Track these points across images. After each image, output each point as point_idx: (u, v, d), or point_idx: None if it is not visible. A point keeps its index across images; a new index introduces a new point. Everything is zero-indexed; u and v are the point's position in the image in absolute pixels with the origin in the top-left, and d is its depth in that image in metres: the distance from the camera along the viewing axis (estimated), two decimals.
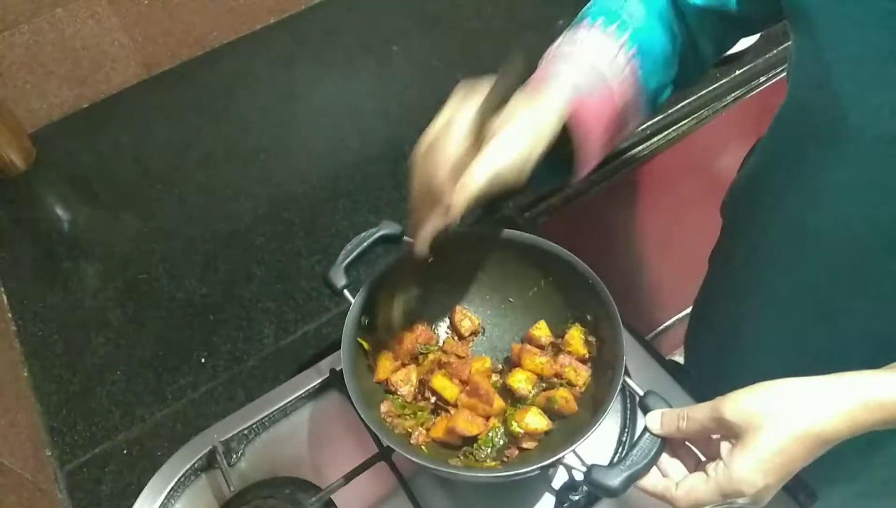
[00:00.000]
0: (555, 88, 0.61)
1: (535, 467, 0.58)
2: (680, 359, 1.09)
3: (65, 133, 1.19)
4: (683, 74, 0.70)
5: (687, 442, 0.56)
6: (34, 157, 1.14)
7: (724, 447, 0.51)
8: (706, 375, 0.94)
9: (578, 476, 0.61)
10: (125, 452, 0.80)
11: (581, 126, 0.62)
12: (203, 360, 0.86)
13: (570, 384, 0.68)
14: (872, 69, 0.53)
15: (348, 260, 0.71)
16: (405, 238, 0.73)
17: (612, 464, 0.54)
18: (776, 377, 0.51)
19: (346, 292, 0.70)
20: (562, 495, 0.68)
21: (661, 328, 1.60)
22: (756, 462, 0.48)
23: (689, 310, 1.58)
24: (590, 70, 0.63)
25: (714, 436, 0.53)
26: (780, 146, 0.73)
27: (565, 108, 0.60)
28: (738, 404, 0.50)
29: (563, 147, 0.62)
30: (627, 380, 0.62)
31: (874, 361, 0.51)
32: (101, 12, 1.14)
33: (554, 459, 0.58)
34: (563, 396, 0.66)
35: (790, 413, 0.48)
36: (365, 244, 0.72)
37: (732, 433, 0.50)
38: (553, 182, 0.68)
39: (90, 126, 1.20)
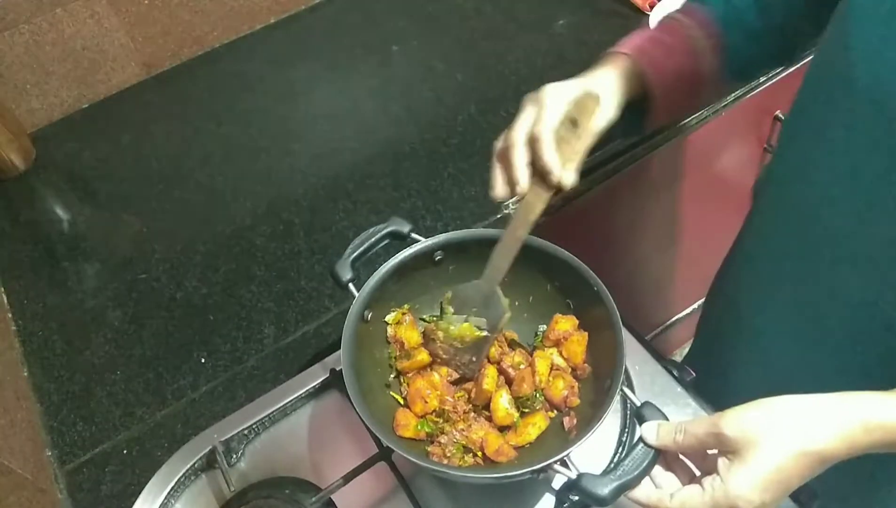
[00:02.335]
0: (627, 46, 0.70)
1: (525, 470, 0.58)
2: (679, 359, 1.09)
3: (65, 133, 1.19)
4: (781, 47, 0.74)
5: (682, 456, 0.56)
6: (34, 157, 1.14)
7: (722, 462, 0.51)
8: (707, 367, 0.93)
9: None
10: (125, 452, 0.80)
11: (655, 72, 0.69)
12: (203, 360, 0.86)
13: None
14: (884, 25, 0.53)
15: (355, 254, 0.71)
16: (413, 235, 0.73)
17: (603, 473, 0.54)
18: (776, 371, 0.51)
19: (350, 286, 0.70)
20: (562, 495, 0.68)
21: (661, 327, 1.60)
22: (753, 478, 0.48)
23: (689, 310, 1.59)
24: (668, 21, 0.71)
25: (710, 451, 0.52)
26: (802, 111, 0.73)
27: (637, 59, 0.69)
28: (737, 420, 0.50)
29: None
30: (625, 390, 0.62)
31: (873, 357, 0.51)
32: (101, 12, 1.14)
33: (545, 464, 0.57)
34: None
35: (790, 432, 0.48)
36: (373, 240, 0.72)
37: (730, 448, 0.50)
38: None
39: (90, 126, 1.20)
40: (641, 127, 0.75)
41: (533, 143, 0.65)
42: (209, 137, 1.14)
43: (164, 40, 1.23)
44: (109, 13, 1.15)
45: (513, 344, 0.74)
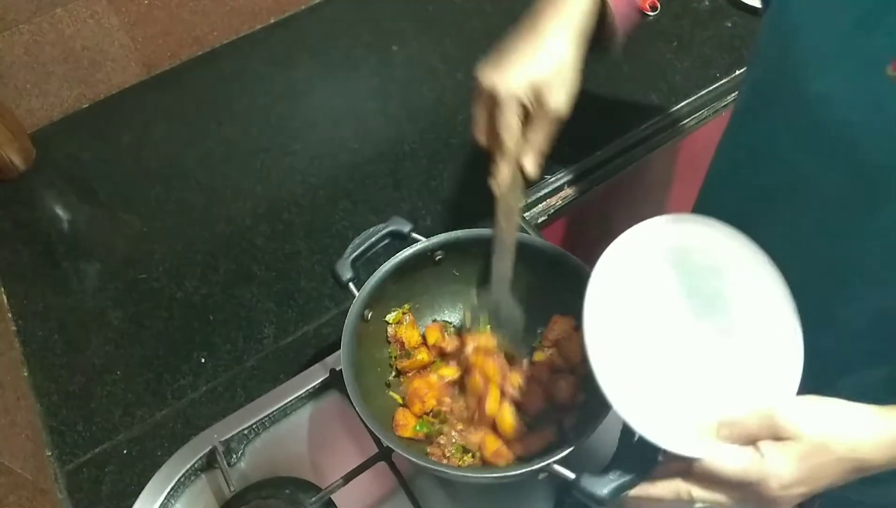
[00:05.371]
0: None
1: (525, 470, 0.58)
2: None
3: (65, 133, 1.19)
4: None
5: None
6: (34, 157, 1.14)
7: (766, 442, 0.51)
8: None
9: None
10: (125, 452, 0.80)
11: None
12: (203, 360, 0.86)
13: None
14: (835, 40, 0.55)
15: (355, 254, 0.71)
16: (413, 235, 0.73)
17: (602, 472, 0.54)
18: None
19: (351, 285, 0.70)
20: (561, 495, 0.68)
21: None
22: (792, 463, 0.50)
23: None
24: None
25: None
26: (742, 121, 0.74)
27: None
28: (793, 411, 0.51)
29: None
30: None
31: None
32: (101, 12, 1.14)
33: (544, 464, 0.57)
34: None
35: (841, 437, 0.50)
36: (373, 239, 0.72)
37: (781, 435, 0.51)
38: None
39: (90, 126, 1.20)
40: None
41: (491, 105, 0.63)
42: (209, 137, 1.14)
43: (164, 40, 1.23)
44: (109, 13, 1.15)
45: (509, 358, 0.73)
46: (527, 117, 0.64)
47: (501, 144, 0.63)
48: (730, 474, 0.51)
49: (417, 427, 0.68)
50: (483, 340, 0.70)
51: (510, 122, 0.62)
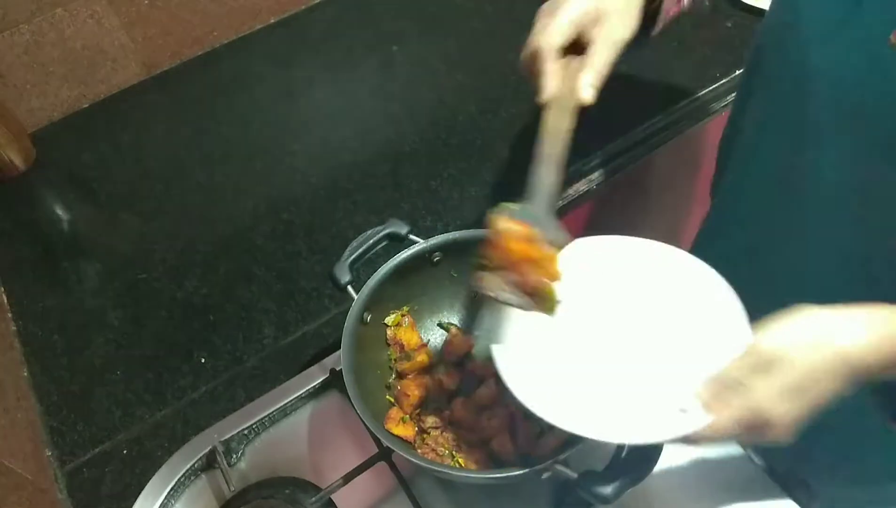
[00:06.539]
0: None
1: (526, 470, 0.58)
2: None
3: (65, 133, 1.19)
4: None
5: None
6: (34, 157, 1.15)
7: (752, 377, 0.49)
8: None
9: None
10: (125, 452, 0.80)
11: None
12: (203, 360, 0.86)
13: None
14: (835, 15, 0.55)
15: (353, 257, 0.71)
16: (410, 237, 0.73)
17: (605, 471, 0.54)
18: None
19: (349, 288, 0.70)
20: (561, 494, 0.68)
21: None
22: (782, 384, 0.48)
23: None
24: None
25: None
26: (747, 97, 0.74)
27: None
28: (771, 334, 0.50)
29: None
30: None
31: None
32: (101, 12, 1.14)
33: (546, 464, 0.58)
34: None
35: (816, 337, 0.48)
36: (371, 242, 0.72)
37: (766, 365, 0.49)
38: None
39: (90, 126, 1.20)
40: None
41: (534, 58, 0.62)
42: (209, 137, 1.14)
43: (164, 40, 1.23)
44: (109, 13, 1.15)
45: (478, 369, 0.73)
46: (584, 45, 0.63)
47: (538, 48, 0.62)
48: (729, 428, 0.50)
49: (403, 420, 0.68)
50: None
51: (554, 28, 0.61)
